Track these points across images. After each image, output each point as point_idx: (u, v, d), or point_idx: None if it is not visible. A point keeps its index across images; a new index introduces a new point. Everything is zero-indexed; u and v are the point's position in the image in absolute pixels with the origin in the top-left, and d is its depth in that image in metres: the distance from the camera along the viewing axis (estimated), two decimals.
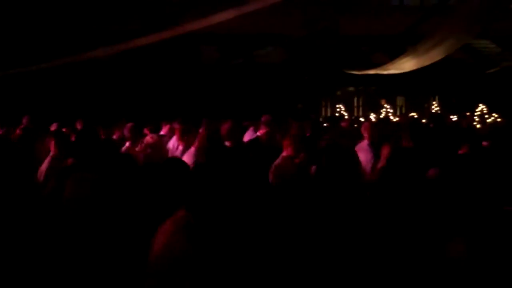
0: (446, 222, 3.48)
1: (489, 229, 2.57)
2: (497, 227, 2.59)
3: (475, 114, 12.79)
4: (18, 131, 7.85)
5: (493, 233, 2.53)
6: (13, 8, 12.29)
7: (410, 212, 3.97)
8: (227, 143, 6.35)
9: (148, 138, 5.59)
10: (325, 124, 9.42)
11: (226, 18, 8.87)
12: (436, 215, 3.79)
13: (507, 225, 2.65)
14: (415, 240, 3.45)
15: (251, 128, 8.27)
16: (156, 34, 9.64)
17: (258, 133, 7.49)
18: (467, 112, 12.74)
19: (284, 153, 5.64)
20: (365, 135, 6.57)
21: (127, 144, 6.42)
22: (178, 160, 3.96)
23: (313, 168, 5.38)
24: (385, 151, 5.75)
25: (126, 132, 6.60)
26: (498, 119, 12.28)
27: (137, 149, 5.90)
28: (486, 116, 12.70)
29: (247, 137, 7.77)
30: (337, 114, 13.62)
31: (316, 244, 3.62)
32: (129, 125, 6.69)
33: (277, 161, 5.58)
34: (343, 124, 8.61)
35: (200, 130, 6.24)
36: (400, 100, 15.80)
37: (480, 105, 13.28)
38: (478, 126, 10.87)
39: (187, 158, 5.61)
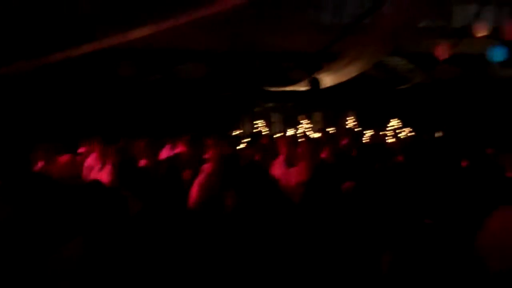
0: (368, 235, 3.53)
1: (411, 242, 2.62)
2: (418, 240, 2.65)
3: (388, 128, 13.21)
4: None
5: (415, 246, 2.58)
6: None
7: (333, 226, 4.01)
8: (142, 162, 6.23)
9: (62, 158, 5.39)
10: (245, 140, 9.45)
11: (145, 33, 8.75)
12: (356, 229, 3.85)
13: (428, 238, 2.72)
14: (343, 254, 3.48)
15: (168, 145, 8.15)
16: (70, 49, 9.37)
17: (176, 151, 7.40)
18: (381, 126, 13.13)
19: (207, 171, 5.59)
20: (281, 151, 6.63)
21: (40, 163, 6.16)
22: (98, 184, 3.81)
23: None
24: (303, 166, 5.82)
25: (40, 152, 6.31)
26: (410, 134, 12.76)
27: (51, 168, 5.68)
28: (398, 130, 13.16)
29: (164, 154, 7.66)
30: (255, 130, 13.71)
31: (242, 259, 3.58)
32: (44, 145, 6.38)
33: (200, 178, 5.52)
34: (263, 140, 8.66)
35: (110, 148, 6.04)
36: (317, 116, 16.08)
37: (393, 120, 13.73)
38: (391, 140, 11.23)
39: (104, 176, 5.46)
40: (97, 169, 6.10)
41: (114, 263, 2.87)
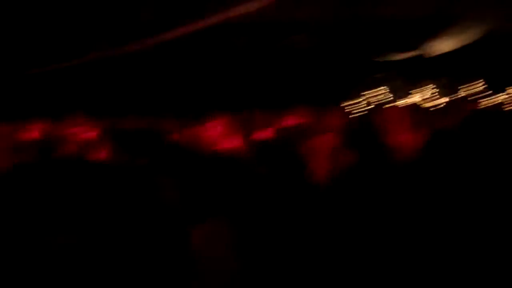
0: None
1: None
2: None
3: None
4: None
5: None
6: None
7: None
8: (261, 133, 6.26)
9: (190, 129, 5.50)
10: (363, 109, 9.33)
11: (254, 8, 8.85)
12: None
13: None
14: None
15: (286, 116, 8.15)
16: (183, 26, 9.65)
17: (295, 121, 7.37)
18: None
19: (331, 142, 5.50)
20: (401, 119, 6.46)
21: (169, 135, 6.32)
22: None
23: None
24: (421, 134, 5.64)
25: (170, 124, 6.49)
26: None
27: None
28: None
29: (282, 124, 7.66)
30: (374, 99, 13.46)
31: None
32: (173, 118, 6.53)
33: (324, 150, 5.44)
34: (381, 109, 8.49)
35: (236, 119, 6.11)
36: (430, 85, 15.48)
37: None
38: None
39: (231, 145, 5.52)
40: (224, 139, 6.20)
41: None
